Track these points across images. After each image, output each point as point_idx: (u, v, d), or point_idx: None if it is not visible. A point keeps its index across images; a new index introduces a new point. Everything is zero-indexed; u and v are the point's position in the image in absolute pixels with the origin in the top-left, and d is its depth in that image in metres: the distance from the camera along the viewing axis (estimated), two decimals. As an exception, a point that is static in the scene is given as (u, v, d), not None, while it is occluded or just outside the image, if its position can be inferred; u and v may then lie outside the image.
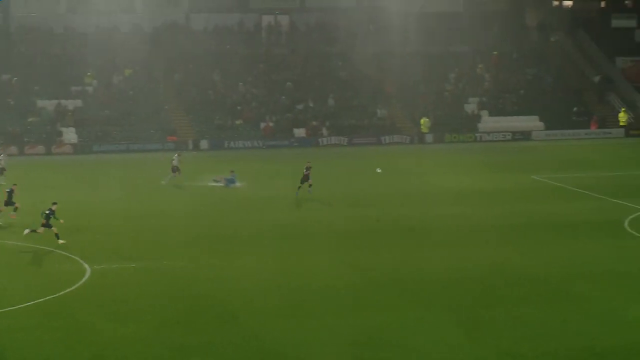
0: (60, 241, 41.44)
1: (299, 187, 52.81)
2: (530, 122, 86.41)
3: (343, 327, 30.54)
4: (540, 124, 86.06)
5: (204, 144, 78.50)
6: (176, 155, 60.03)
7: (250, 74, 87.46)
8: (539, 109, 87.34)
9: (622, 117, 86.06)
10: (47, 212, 42.30)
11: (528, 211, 50.22)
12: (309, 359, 27.70)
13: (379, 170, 45.54)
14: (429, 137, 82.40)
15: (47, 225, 42.20)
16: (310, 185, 52.84)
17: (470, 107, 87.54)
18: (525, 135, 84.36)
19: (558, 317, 31.94)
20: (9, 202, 46.23)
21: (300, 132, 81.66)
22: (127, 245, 42.04)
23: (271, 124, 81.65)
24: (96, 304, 32.54)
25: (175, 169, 58.67)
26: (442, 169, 67.56)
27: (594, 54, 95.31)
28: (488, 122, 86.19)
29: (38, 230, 42.11)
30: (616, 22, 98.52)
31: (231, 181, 56.99)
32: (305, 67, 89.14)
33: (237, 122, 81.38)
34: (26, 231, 42.53)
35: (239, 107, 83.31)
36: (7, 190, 46.51)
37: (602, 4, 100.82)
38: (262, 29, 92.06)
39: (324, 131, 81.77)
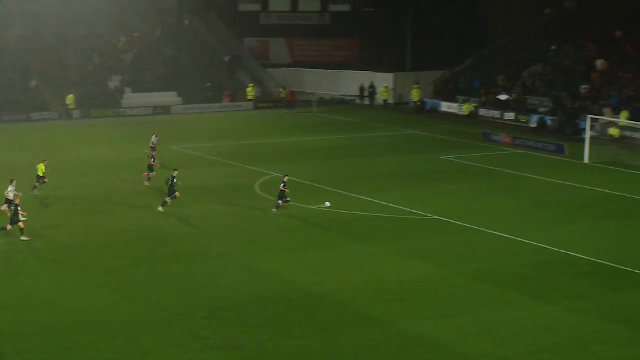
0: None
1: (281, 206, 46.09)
2: (170, 98, 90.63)
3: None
4: (179, 99, 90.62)
5: None
6: (154, 136, 59.87)
7: None
8: (177, 85, 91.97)
9: (250, 91, 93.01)
10: (171, 178, 42.81)
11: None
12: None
13: (328, 204, 46.38)
14: (77, 113, 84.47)
15: (171, 193, 42.95)
16: (288, 201, 45.88)
17: (114, 84, 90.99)
18: (165, 110, 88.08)
19: (198, 273, 35.84)
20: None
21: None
22: None
23: None
24: None
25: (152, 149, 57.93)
26: (89, 143, 69.84)
27: (225, 35, 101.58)
28: (131, 98, 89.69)
29: (167, 200, 44.36)
30: (243, 7, 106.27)
31: None
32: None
33: None
34: (160, 208, 44.51)
35: None
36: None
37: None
38: None
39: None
